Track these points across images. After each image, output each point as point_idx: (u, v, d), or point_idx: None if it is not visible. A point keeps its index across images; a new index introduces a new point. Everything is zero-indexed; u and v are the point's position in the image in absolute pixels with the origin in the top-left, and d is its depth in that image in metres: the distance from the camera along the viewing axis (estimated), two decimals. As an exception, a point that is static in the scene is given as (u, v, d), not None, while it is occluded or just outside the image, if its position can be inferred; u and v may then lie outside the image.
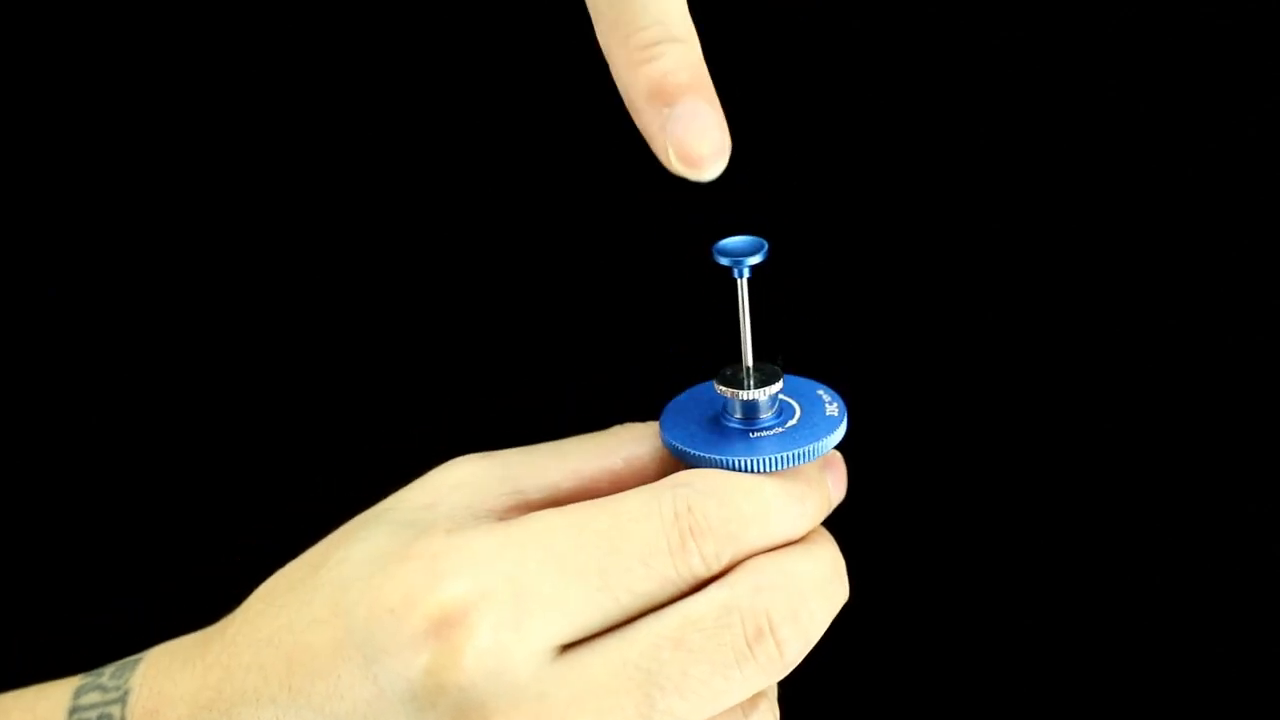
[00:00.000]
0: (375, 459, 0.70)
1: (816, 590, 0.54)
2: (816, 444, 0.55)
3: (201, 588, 0.64)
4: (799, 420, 0.56)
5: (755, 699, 0.54)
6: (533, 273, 0.72)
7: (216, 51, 0.70)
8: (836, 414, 0.56)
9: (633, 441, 0.57)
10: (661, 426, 0.56)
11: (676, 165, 0.49)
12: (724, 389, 0.55)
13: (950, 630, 0.75)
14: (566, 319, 0.72)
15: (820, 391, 0.57)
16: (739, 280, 0.54)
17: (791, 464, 0.54)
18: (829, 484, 0.56)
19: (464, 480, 0.55)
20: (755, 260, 0.54)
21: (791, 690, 0.75)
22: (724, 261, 0.54)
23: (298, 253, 0.72)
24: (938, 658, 0.75)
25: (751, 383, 0.55)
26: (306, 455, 0.73)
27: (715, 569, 0.53)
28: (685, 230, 0.63)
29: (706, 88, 0.50)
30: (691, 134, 0.49)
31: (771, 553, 0.54)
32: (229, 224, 0.71)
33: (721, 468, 0.54)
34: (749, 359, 0.55)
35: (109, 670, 0.57)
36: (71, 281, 0.72)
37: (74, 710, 0.56)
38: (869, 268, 0.72)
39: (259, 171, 0.71)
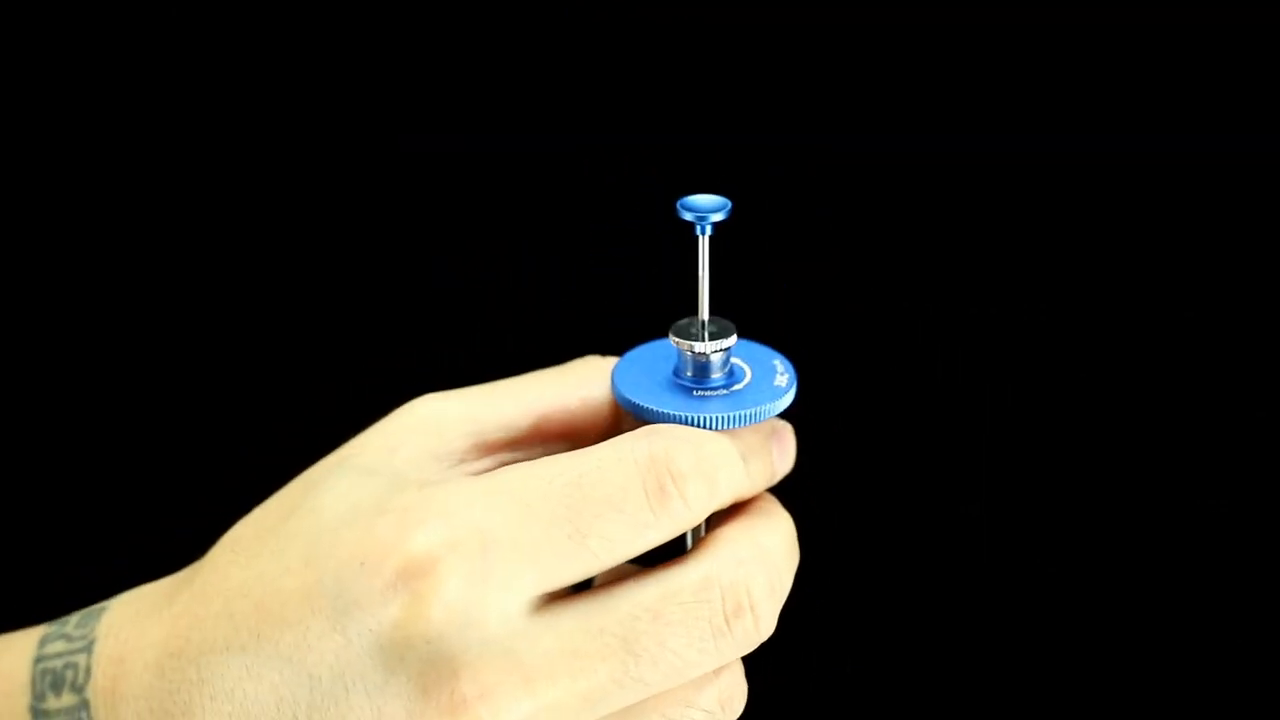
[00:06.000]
0: (338, 400, 0.70)
1: (787, 562, 0.54)
2: (760, 408, 0.55)
3: (165, 535, 0.64)
4: (747, 385, 0.57)
5: (722, 668, 0.54)
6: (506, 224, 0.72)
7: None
8: (785, 384, 0.57)
9: (589, 381, 0.58)
10: (613, 378, 0.57)
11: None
12: (677, 340, 0.56)
13: (948, 629, 0.74)
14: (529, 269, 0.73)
15: (775, 361, 0.58)
16: (700, 237, 0.55)
17: (734, 424, 0.55)
18: (774, 453, 0.57)
19: (422, 423, 0.56)
20: (718, 217, 0.55)
21: (791, 687, 0.75)
22: (687, 217, 0.55)
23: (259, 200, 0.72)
24: (935, 656, 0.75)
25: (704, 336, 0.56)
26: (269, 398, 0.73)
27: (696, 513, 0.53)
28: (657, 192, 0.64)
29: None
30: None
31: (740, 523, 0.54)
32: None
33: (665, 421, 0.55)
34: (705, 315, 0.56)
35: (74, 619, 0.57)
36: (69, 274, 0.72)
37: (39, 659, 0.56)
38: (868, 264, 0.71)
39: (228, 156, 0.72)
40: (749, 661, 0.57)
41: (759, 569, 0.53)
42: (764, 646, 0.56)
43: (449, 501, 0.51)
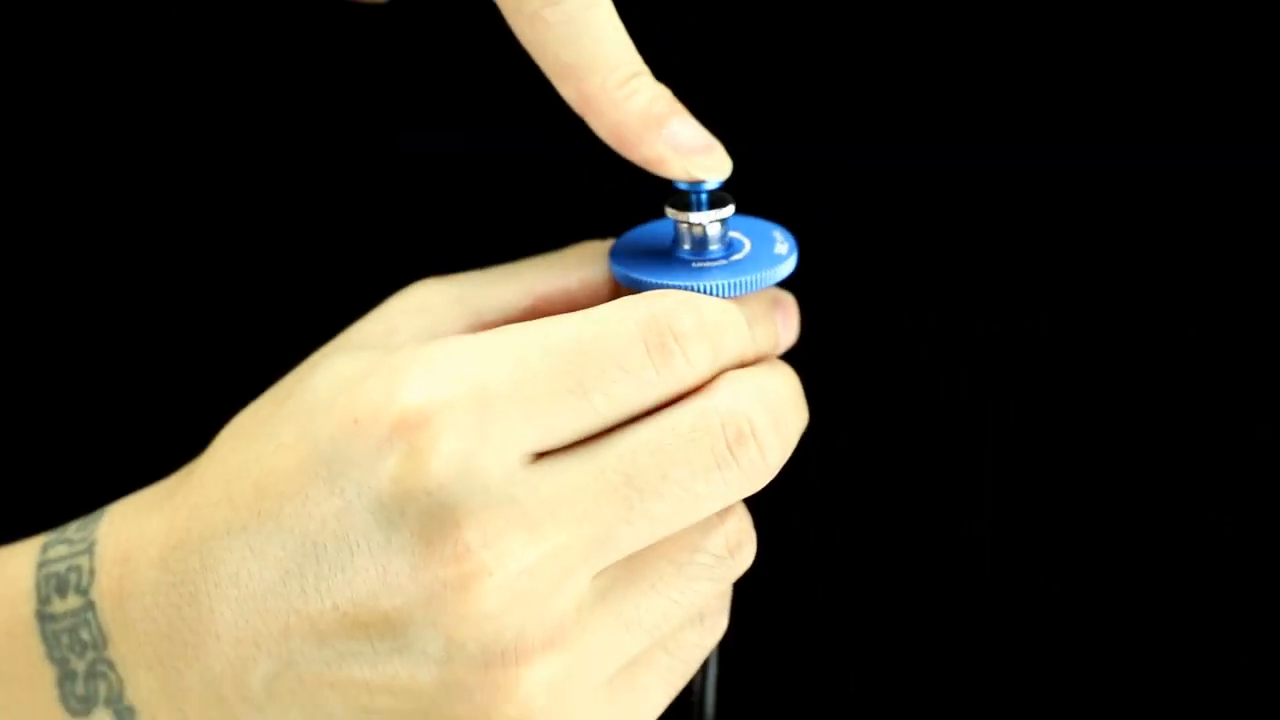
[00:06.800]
0: (333, 294, 0.70)
1: (791, 405, 0.54)
2: (760, 274, 0.55)
3: (165, 443, 0.64)
4: (746, 255, 0.57)
5: (729, 508, 0.54)
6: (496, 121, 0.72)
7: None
8: (785, 252, 0.57)
9: (587, 262, 0.58)
10: (611, 256, 0.57)
11: (699, 172, 0.55)
12: (673, 212, 0.56)
13: (951, 647, 0.74)
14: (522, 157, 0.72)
15: (774, 231, 0.58)
16: None
17: (735, 292, 0.55)
18: (778, 322, 0.56)
19: (419, 305, 0.56)
20: (713, 185, 0.56)
21: (793, 705, 0.74)
22: (684, 187, 0.56)
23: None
24: (939, 674, 0.74)
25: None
26: (266, 299, 0.73)
27: (699, 372, 0.52)
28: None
29: (678, 104, 0.56)
30: (697, 142, 0.55)
31: (742, 370, 0.54)
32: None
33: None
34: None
35: (73, 525, 0.56)
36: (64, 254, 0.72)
37: (42, 565, 0.55)
38: (869, 278, 0.71)
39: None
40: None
41: (758, 403, 0.52)
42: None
43: (444, 356, 0.51)
